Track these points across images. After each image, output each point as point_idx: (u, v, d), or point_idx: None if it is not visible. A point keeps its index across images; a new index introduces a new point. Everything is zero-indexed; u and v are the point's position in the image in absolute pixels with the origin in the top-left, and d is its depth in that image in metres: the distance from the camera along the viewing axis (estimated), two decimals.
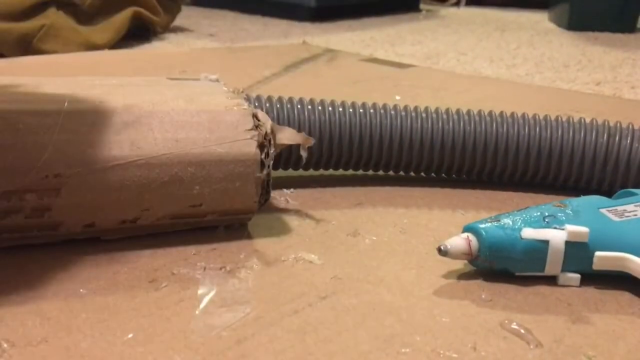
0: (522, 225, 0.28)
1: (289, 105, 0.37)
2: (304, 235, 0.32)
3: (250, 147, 0.30)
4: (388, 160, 0.39)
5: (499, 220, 0.28)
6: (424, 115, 0.38)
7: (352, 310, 0.26)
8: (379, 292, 0.27)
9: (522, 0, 1.71)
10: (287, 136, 0.32)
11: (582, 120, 0.38)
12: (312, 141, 0.33)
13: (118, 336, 0.23)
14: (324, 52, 0.84)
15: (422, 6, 1.67)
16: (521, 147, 0.38)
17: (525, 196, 0.39)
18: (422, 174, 0.40)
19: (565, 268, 0.28)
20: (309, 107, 0.37)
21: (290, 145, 0.33)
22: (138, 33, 1.05)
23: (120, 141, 0.28)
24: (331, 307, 0.26)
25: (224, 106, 0.30)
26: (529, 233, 0.28)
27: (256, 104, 0.37)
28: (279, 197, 0.37)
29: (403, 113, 0.38)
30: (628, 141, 0.37)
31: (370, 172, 0.40)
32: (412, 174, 0.40)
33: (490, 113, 0.39)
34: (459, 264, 0.29)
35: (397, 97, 0.60)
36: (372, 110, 0.38)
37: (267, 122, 0.31)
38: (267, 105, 0.37)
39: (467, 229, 0.29)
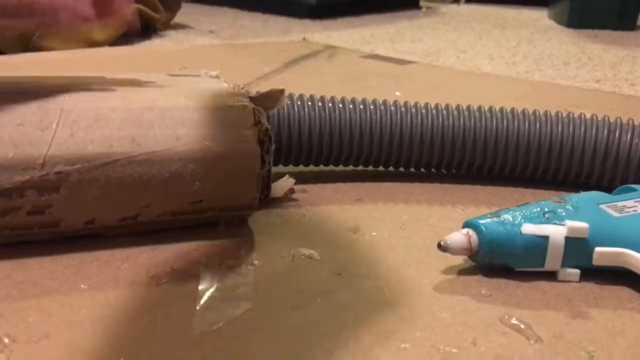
0: (522, 220, 0.28)
1: (289, 102, 0.37)
2: (304, 231, 0.32)
3: (250, 144, 0.30)
4: (388, 156, 0.39)
5: (499, 216, 0.28)
6: (424, 111, 0.38)
7: (352, 305, 0.26)
8: (379, 287, 0.27)
9: None
10: (282, 186, 0.35)
11: (582, 115, 0.38)
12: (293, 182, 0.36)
13: (119, 331, 0.23)
14: (324, 48, 0.84)
15: (422, 3, 1.67)
16: (521, 142, 0.38)
17: (525, 192, 0.39)
18: (422, 169, 0.40)
19: (565, 263, 0.28)
20: (309, 103, 0.37)
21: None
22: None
23: (120, 138, 0.28)
24: (331, 302, 0.26)
25: (224, 103, 0.30)
26: (529, 229, 0.28)
27: None
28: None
29: (403, 109, 0.38)
30: (628, 137, 0.37)
31: (371, 168, 0.40)
32: (412, 169, 0.40)
33: (490, 109, 0.39)
34: (459, 260, 0.30)
35: (397, 94, 0.60)
36: (372, 107, 0.38)
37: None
38: None
39: (467, 224, 0.29)
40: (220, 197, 0.30)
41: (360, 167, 0.40)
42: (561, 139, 0.37)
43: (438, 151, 0.38)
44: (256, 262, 0.29)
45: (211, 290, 0.26)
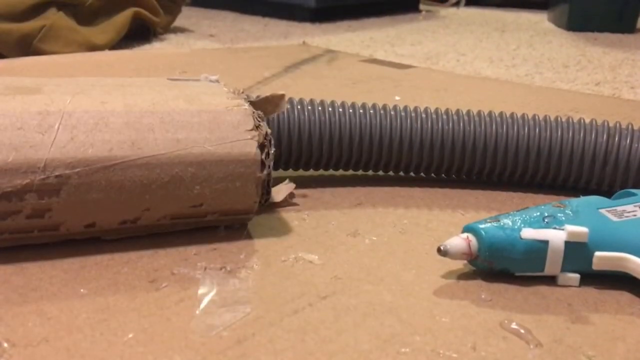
0: (522, 225, 0.28)
1: (289, 106, 0.37)
2: (304, 235, 0.32)
3: (250, 147, 0.30)
4: (388, 161, 0.39)
5: (499, 221, 0.28)
6: (423, 115, 0.38)
7: (352, 310, 0.26)
8: (379, 292, 0.27)
9: (522, 1, 1.71)
10: (282, 191, 0.35)
11: (582, 120, 0.39)
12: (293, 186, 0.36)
13: (118, 336, 0.23)
14: (324, 52, 0.84)
15: (421, 7, 1.67)
16: (521, 147, 0.38)
17: (524, 196, 0.39)
18: (422, 174, 0.40)
19: (565, 268, 0.28)
20: (309, 107, 0.37)
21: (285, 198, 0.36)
22: (138, 34, 1.05)
23: (120, 141, 0.28)
24: (331, 307, 0.26)
25: (224, 106, 0.31)
26: (528, 233, 0.28)
27: None
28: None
29: (403, 113, 0.38)
30: (627, 141, 0.37)
31: (370, 173, 0.40)
32: (412, 174, 0.40)
33: (489, 113, 0.39)
34: (459, 264, 0.30)
35: (397, 98, 0.60)
36: (372, 111, 0.38)
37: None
38: None
39: (466, 229, 0.29)
40: (221, 201, 0.30)
41: (360, 172, 0.40)
42: (561, 144, 0.37)
43: (438, 156, 0.38)
44: (256, 266, 0.29)
45: (211, 294, 0.26)
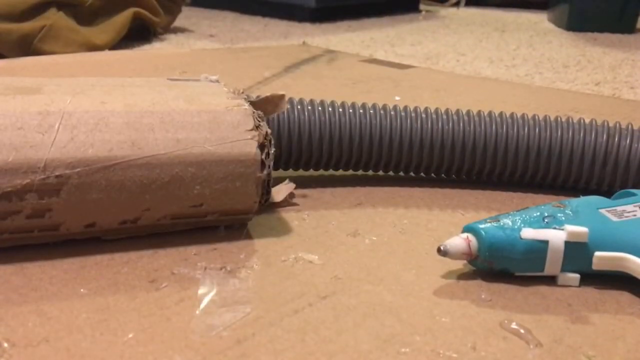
0: (522, 225, 0.28)
1: (289, 106, 0.37)
2: (304, 235, 0.32)
3: (250, 147, 0.30)
4: (388, 161, 0.39)
5: (499, 221, 0.28)
6: (423, 115, 0.38)
7: (352, 310, 0.26)
8: (379, 292, 0.27)
9: (522, 1, 1.72)
10: (282, 191, 0.36)
11: (582, 120, 0.39)
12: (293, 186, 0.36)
13: (118, 336, 0.23)
14: (324, 52, 0.84)
15: (421, 7, 1.67)
16: (521, 147, 0.38)
17: (524, 196, 0.39)
18: (422, 174, 0.40)
19: (565, 268, 0.28)
20: (309, 107, 0.37)
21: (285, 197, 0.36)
22: (138, 34, 1.05)
23: (120, 141, 0.28)
24: (331, 307, 0.26)
25: (224, 106, 0.31)
26: (528, 233, 0.28)
27: None
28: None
29: (403, 113, 0.38)
30: (627, 141, 0.37)
31: (370, 173, 0.40)
32: (412, 174, 0.40)
33: (489, 113, 0.39)
34: (459, 264, 0.30)
35: (397, 98, 0.60)
36: (372, 111, 0.38)
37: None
38: None
39: (466, 229, 0.29)
40: (221, 201, 0.30)
41: (360, 172, 0.40)
42: (560, 144, 0.37)
43: (438, 156, 0.38)
44: (256, 266, 0.29)
45: (211, 294, 0.26)
